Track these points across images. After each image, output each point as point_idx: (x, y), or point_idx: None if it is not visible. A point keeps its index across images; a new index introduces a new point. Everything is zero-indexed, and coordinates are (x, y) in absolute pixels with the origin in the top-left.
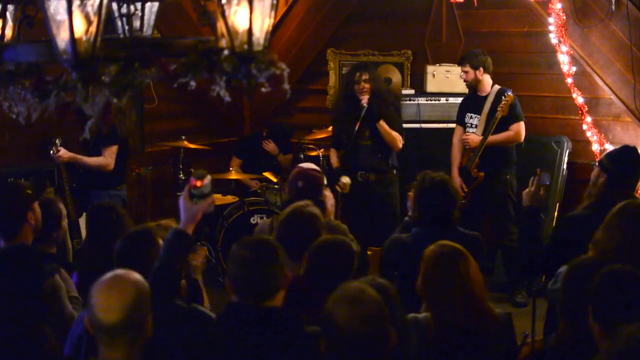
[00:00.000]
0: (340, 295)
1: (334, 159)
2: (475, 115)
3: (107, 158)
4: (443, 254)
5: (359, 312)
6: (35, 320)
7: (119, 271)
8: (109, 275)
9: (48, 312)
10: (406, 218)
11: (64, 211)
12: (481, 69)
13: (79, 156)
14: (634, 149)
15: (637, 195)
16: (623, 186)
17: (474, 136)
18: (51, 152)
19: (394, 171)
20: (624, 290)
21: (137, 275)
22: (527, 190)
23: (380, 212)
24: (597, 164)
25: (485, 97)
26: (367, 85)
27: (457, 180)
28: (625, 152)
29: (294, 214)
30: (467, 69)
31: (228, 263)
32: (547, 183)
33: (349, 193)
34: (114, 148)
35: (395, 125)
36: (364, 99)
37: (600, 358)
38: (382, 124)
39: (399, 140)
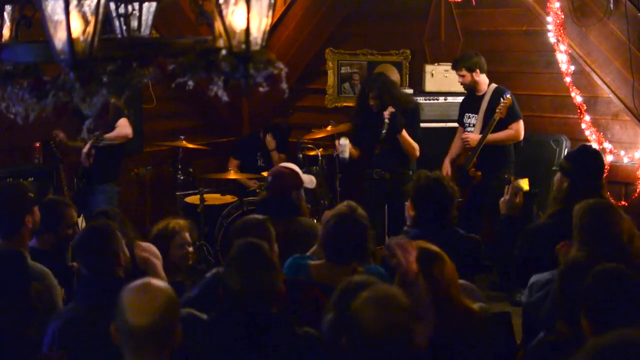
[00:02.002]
0: (369, 296)
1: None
2: (473, 114)
3: (125, 127)
4: (419, 257)
5: (386, 318)
6: (21, 326)
7: (149, 278)
8: (139, 281)
9: (34, 318)
10: (405, 228)
11: (74, 219)
12: (477, 70)
13: (107, 136)
14: (593, 149)
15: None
16: (587, 189)
17: (474, 135)
18: (88, 147)
19: (410, 172)
20: (615, 290)
21: (165, 283)
22: (502, 198)
23: (394, 208)
24: (558, 168)
25: (482, 97)
26: (376, 100)
27: (445, 168)
28: (585, 154)
29: (340, 219)
30: (464, 72)
31: (224, 271)
32: (525, 188)
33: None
34: (124, 119)
35: (413, 135)
36: (386, 114)
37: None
38: (404, 135)
39: (417, 150)
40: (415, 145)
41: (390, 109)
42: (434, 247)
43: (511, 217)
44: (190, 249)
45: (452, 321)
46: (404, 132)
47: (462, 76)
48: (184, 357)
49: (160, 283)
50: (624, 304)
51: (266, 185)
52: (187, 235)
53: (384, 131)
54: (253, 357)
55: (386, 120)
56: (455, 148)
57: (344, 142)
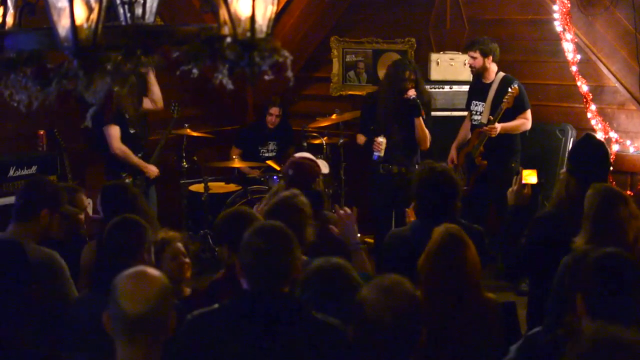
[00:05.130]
0: (375, 284)
1: (363, 139)
2: (480, 102)
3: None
4: (445, 241)
5: (390, 303)
6: (16, 323)
7: (142, 266)
8: (133, 269)
9: (32, 313)
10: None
11: (84, 203)
12: (490, 56)
13: None
14: (590, 139)
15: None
16: (586, 179)
17: (497, 125)
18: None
19: (416, 166)
20: (612, 275)
21: (159, 272)
22: (511, 189)
23: (399, 209)
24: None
25: (490, 84)
26: (413, 84)
27: (452, 154)
28: (581, 145)
29: (278, 205)
30: (477, 55)
31: (242, 250)
32: (534, 181)
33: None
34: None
35: (427, 125)
36: (412, 92)
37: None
38: (420, 121)
39: (429, 139)
40: (428, 134)
41: (413, 90)
42: (461, 233)
43: (519, 208)
44: (187, 259)
45: (473, 307)
46: (421, 118)
47: (474, 58)
48: (200, 346)
49: (154, 271)
50: (620, 289)
51: (286, 177)
52: (179, 245)
53: (417, 108)
54: (272, 341)
55: (414, 97)
56: (462, 134)
57: (382, 139)
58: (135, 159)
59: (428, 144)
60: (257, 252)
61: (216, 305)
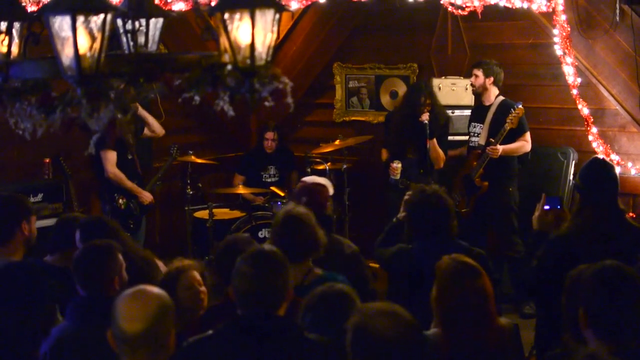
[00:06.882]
0: (372, 309)
1: (385, 156)
2: (479, 124)
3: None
4: (460, 270)
5: (397, 322)
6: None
7: (143, 285)
8: (133, 288)
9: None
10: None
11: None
12: (492, 77)
13: None
14: (601, 162)
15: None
16: (597, 202)
17: (499, 147)
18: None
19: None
20: (613, 289)
21: (160, 290)
22: (534, 215)
23: None
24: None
25: (489, 107)
26: (429, 107)
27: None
28: (592, 168)
29: (285, 217)
30: (479, 73)
31: (233, 275)
32: (558, 207)
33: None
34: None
35: (441, 145)
36: (425, 117)
37: None
38: (434, 142)
39: (442, 160)
40: (442, 155)
41: (427, 114)
42: (473, 262)
43: (542, 233)
44: (202, 288)
45: (488, 336)
46: (434, 140)
47: (476, 76)
48: None
49: (154, 289)
50: (621, 303)
51: (299, 203)
52: (194, 274)
53: (427, 131)
54: None
55: (426, 122)
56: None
57: (397, 165)
58: (129, 184)
59: (442, 164)
60: (246, 277)
61: (210, 332)
